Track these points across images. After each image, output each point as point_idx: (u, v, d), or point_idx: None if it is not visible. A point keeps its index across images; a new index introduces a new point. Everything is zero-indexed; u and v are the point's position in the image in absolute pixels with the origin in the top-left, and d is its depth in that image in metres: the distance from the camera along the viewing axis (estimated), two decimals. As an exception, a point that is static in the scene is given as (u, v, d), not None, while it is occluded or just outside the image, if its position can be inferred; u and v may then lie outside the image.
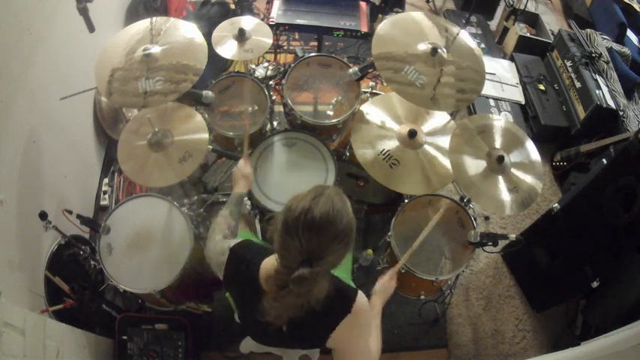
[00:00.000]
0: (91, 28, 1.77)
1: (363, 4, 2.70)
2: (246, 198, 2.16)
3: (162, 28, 1.85)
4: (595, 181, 2.08)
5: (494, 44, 3.67)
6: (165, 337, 2.05)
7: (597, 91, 2.92)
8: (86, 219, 1.86)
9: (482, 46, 3.58)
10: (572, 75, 3.12)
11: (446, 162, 1.88)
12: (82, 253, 2.09)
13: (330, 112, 2.15)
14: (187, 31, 1.85)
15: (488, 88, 3.22)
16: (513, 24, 3.59)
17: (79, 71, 2.18)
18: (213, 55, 1.90)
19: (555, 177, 3.06)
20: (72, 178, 2.32)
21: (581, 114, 2.99)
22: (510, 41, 3.62)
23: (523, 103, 3.25)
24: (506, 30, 3.66)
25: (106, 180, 2.67)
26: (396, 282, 1.61)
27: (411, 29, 1.87)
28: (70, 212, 1.86)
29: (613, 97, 2.93)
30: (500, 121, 1.93)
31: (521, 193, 1.75)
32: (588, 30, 3.30)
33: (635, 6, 3.72)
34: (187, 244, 1.84)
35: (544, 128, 3.07)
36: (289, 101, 2.07)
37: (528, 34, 3.58)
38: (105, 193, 2.63)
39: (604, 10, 3.70)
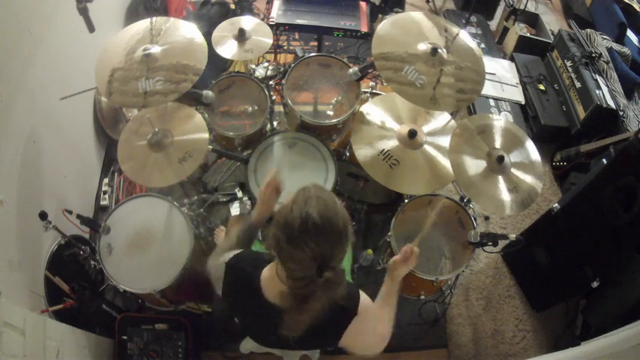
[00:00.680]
0: (91, 28, 1.77)
1: (363, 4, 2.70)
2: (246, 198, 2.16)
3: (162, 28, 1.85)
4: (595, 181, 2.08)
5: (494, 44, 3.67)
6: (166, 337, 2.05)
7: (597, 91, 2.92)
8: (86, 219, 1.86)
9: (482, 46, 3.58)
10: (572, 75, 3.12)
11: (446, 162, 1.88)
12: (82, 253, 2.09)
13: (330, 112, 2.15)
14: (187, 31, 1.85)
15: (488, 88, 3.22)
16: (513, 24, 3.58)
17: (79, 71, 2.18)
18: (213, 55, 1.90)
19: (555, 177, 3.05)
20: (72, 178, 2.32)
21: (581, 114, 2.99)
22: (510, 41, 3.62)
23: (523, 103, 3.25)
24: (506, 30, 3.66)
25: (106, 180, 2.67)
26: (412, 261, 1.43)
27: (411, 29, 1.87)
28: (70, 212, 1.86)
29: (613, 97, 2.93)
30: (501, 121, 1.93)
31: (521, 193, 1.75)
32: (588, 30, 3.30)
33: (635, 6, 3.72)
34: (187, 244, 1.84)
35: (544, 128, 3.07)
36: (289, 101, 2.07)
37: (528, 34, 3.57)
38: (105, 193, 2.63)
39: (604, 10, 3.70)
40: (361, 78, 2.04)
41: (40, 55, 1.93)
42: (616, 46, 3.29)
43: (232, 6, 3.23)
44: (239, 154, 2.08)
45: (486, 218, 2.85)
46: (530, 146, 1.87)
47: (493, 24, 3.95)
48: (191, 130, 1.89)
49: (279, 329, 1.08)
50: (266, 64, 2.45)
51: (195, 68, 1.76)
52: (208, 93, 1.99)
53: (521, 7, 3.49)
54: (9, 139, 1.78)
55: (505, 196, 1.73)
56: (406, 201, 2.00)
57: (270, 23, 2.51)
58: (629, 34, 3.54)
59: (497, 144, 1.83)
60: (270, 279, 1.15)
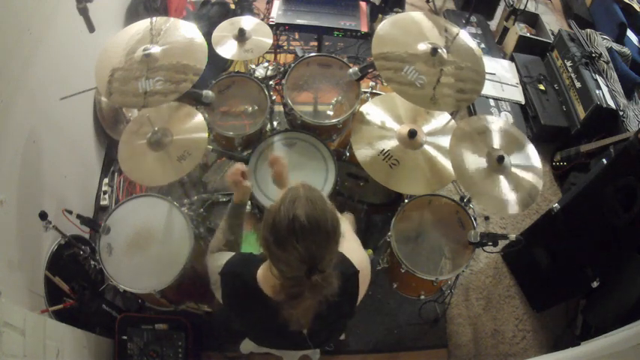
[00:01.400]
0: (91, 28, 1.77)
1: (363, 4, 2.70)
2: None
3: (162, 28, 1.85)
4: (595, 181, 2.08)
5: (494, 44, 3.67)
6: (166, 337, 2.05)
7: (597, 91, 2.92)
8: (86, 219, 1.86)
9: (482, 46, 3.58)
10: (572, 75, 3.12)
11: (446, 162, 1.88)
12: (82, 253, 2.09)
13: (330, 112, 2.15)
14: (187, 31, 1.85)
15: (488, 88, 3.22)
16: (513, 24, 3.58)
17: (79, 71, 2.18)
18: (213, 55, 1.90)
19: (555, 177, 3.05)
20: (72, 178, 2.32)
21: (581, 114, 2.99)
22: (510, 41, 3.62)
23: (523, 103, 3.25)
24: (506, 30, 3.66)
25: (106, 180, 2.67)
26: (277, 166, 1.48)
27: (411, 29, 1.87)
28: (70, 212, 1.86)
29: (613, 97, 2.93)
30: (500, 121, 1.93)
31: (522, 193, 1.75)
32: (588, 30, 3.30)
33: (635, 6, 3.72)
34: (187, 244, 1.84)
35: (544, 128, 3.07)
36: (289, 101, 2.07)
37: (528, 34, 3.57)
38: (105, 193, 2.63)
39: (604, 10, 3.70)
40: (361, 78, 2.05)
41: (40, 55, 1.93)
42: (616, 46, 3.29)
43: (232, 6, 3.23)
44: (239, 154, 2.08)
45: (486, 218, 2.85)
46: (530, 147, 1.87)
47: (493, 24, 3.95)
48: (190, 130, 1.89)
49: (286, 326, 1.08)
50: (266, 64, 2.45)
51: (196, 68, 1.75)
52: (208, 93, 1.99)
53: (521, 7, 3.49)
54: (9, 139, 1.78)
55: (505, 195, 1.73)
56: (406, 201, 2.00)
57: (270, 23, 2.51)
58: (629, 34, 3.54)
59: (497, 145, 1.84)
60: (266, 276, 1.15)
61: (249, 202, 2.06)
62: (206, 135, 1.87)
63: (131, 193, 2.56)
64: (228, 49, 2.09)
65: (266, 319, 1.18)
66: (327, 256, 1.03)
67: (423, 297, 2.08)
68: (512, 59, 3.50)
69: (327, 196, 1.90)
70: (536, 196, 1.76)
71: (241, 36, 2.10)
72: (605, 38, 3.29)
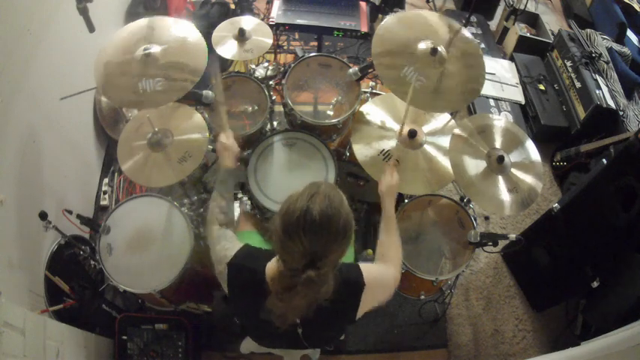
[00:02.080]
0: (91, 28, 1.77)
1: (363, 4, 2.70)
2: (245, 198, 2.16)
3: (162, 28, 1.85)
4: (595, 181, 2.08)
5: (494, 44, 3.67)
6: (166, 337, 2.05)
7: (597, 91, 2.92)
8: (86, 219, 1.86)
9: (483, 46, 3.58)
10: (572, 75, 3.12)
11: (446, 162, 1.87)
12: (82, 253, 2.09)
13: (330, 112, 2.15)
14: (187, 30, 1.85)
15: (488, 88, 3.22)
16: (513, 24, 3.58)
17: (79, 71, 2.18)
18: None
19: (555, 177, 3.06)
20: (72, 178, 2.32)
21: (581, 114, 2.99)
22: (510, 41, 3.63)
23: (523, 103, 3.25)
24: (506, 30, 3.66)
25: (106, 180, 2.67)
26: (397, 174, 1.58)
27: (413, 28, 1.86)
28: (70, 212, 1.86)
29: (613, 97, 2.93)
30: (500, 121, 1.93)
31: (521, 193, 1.75)
32: (588, 30, 3.30)
33: (635, 6, 3.72)
34: (187, 244, 1.84)
35: (544, 128, 3.07)
36: (289, 101, 2.07)
37: (528, 34, 3.58)
38: (105, 193, 2.63)
39: (604, 10, 3.70)
40: (361, 78, 2.04)
41: (40, 55, 1.93)
42: (616, 46, 3.29)
43: (232, 6, 3.23)
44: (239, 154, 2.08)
45: (486, 218, 2.85)
46: (530, 146, 1.87)
47: (493, 24, 3.95)
48: (191, 130, 1.89)
49: (271, 316, 1.09)
50: (266, 64, 2.45)
51: (196, 68, 1.75)
52: (208, 93, 1.99)
53: (521, 7, 3.49)
54: (9, 139, 1.78)
55: (505, 196, 1.73)
56: (406, 201, 2.00)
57: (270, 23, 2.51)
58: (629, 34, 3.54)
59: (498, 144, 1.84)
60: (273, 269, 1.15)
61: (249, 202, 2.06)
62: (207, 135, 1.87)
63: (131, 193, 2.56)
64: (228, 49, 2.09)
65: (264, 314, 1.18)
66: (330, 255, 1.03)
67: (423, 297, 2.08)
68: (512, 59, 3.51)
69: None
70: (535, 196, 1.76)
71: (241, 36, 2.10)
72: (605, 38, 3.29)
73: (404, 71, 1.73)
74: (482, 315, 2.51)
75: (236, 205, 2.54)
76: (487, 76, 3.21)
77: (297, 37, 3.51)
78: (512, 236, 1.75)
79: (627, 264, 1.97)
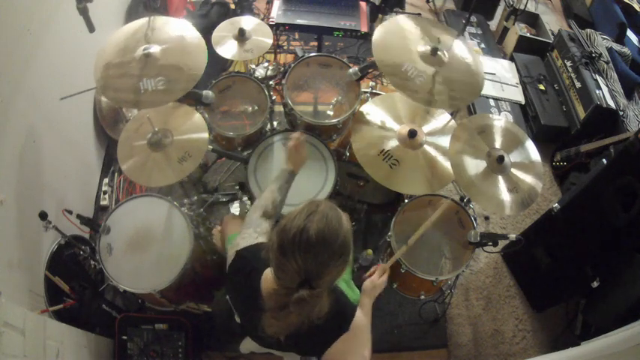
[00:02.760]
0: (91, 28, 1.77)
1: (363, 4, 2.70)
2: (246, 198, 2.16)
3: (162, 28, 1.85)
4: (595, 181, 2.08)
5: (494, 44, 3.67)
6: (165, 337, 2.05)
7: (597, 91, 2.92)
8: (86, 219, 1.86)
9: (483, 46, 3.59)
10: (572, 75, 3.12)
11: (446, 162, 1.87)
12: (82, 253, 2.09)
13: (330, 112, 2.15)
14: (187, 30, 1.85)
15: (489, 88, 3.22)
16: (513, 24, 3.58)
17: (79, 71, 2.18)
18: (213, 55, 1.90)
19: (555, 177, 3.06)
20: (72, 178, 2.32)
21: (581, 114, 2.99)
22: (510, 41, 3.63)
23: (523, 103, 3.25)
24: (506, 30, 3.66)
25: (106, 180, 2.67)
26: (386, 278, 1.50)
27: (405, 37, 1.86)
28: (70, 212, 1.86)
29: (613, 97, 2.93)
30: (500, 121, 1.93)
31: (521, 193, 1.75)
32: (588, 30, 3.30)
33: (635, 6, 3.72)
34: (187, 244, 1.84)
35: (544, 128, 3.07)
36: (289, 101, 2.07)
37: (528, 34, 3.58)
38: (105, 193, 2.63)
39: (604, 10, 3.70)
40: (361, 78, 2.05)
41: (40, 55, 1.93)
42: (616, 46, 3.29)
43: (232, 6, 3.23)
44: (239, 154, 2.08)
45: (486, 218, 2.85)
46: (530, 146, 1.87)
47: (493, 24, 3.95)
48: (191, 130, 1.89)
49: (261, 326, 1.08)
50: (266, 64, 2.45)
51: (196, 68, 1.75)
52: (208, 93, 1.99)
53: (521, 7, 3.49)
54: (9, 139, 1.78)
55: (505, 196, 1.73)
56: (406, 201, 2.00)
57: (270, 23, 2.51)
58: (629, 34, 3.54)
59: (497, 144, 1.83)
60: (270, 280, 1.15)
61: (249, 202, 2.06)
62: (206, 135, 1.87)
63: (131, 193, 2.56)
64: (228, 49, 2.09)
65: (252, 317, 1.18)
66: (325, 277, 1.02)
67: (423, 297, 2.08)
68: (512, 59, 3.51)
69: (327, 196, 1.91)
70: (535, 196, 1.76)
71: (241, 36, 2.10)
72: (605, 38, 3.29)
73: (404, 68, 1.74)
74: (482, 315, 2.51)
75: (236, 204, 2.54)
76: (487, 76, 3.22)
77: (297, 37, 3.51)
78: (512, 236, 1.75)
79: (627, 264, 1.97)
